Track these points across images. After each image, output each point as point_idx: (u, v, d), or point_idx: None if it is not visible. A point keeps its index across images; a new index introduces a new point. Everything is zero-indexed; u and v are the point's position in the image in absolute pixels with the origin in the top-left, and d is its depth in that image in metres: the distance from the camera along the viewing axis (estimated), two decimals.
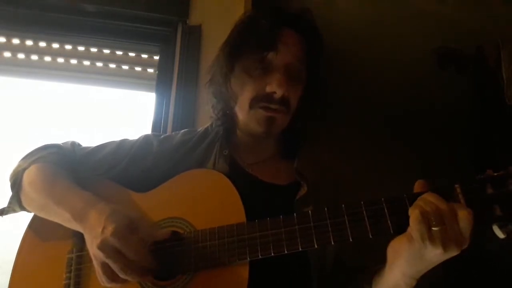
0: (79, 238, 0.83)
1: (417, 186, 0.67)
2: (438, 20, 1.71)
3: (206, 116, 1.05)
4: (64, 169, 0.89)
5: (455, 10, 1.73)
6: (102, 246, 0.70)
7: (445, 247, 0.59)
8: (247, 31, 0.92)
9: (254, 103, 0.87)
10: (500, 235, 0.60)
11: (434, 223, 0.59)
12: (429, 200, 0.62)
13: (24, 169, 0.89)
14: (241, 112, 0.91)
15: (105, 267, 0.71)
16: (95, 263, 0.73)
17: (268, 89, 0.86)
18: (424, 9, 1.73)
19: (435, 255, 0.61)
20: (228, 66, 0.90)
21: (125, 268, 0.70)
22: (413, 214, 0.61)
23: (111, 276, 0.71)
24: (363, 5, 1.71)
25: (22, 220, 0.93)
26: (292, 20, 0.92)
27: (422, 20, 1.71)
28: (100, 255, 0.70)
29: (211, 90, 0.97)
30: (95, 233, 0.72)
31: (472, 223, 0.59)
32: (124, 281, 0.72)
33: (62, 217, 0.81)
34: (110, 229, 0.70)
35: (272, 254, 0.71)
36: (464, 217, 0.59)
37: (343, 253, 0.90)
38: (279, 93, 0.85)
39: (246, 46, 0.89)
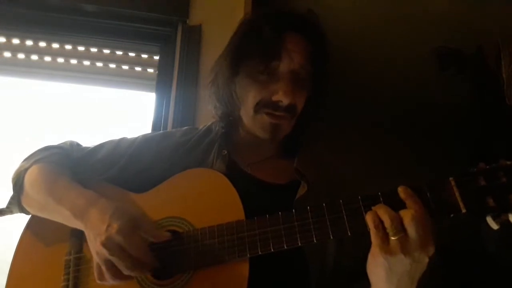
0: (77, 239, 0.83)
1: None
2: (438, 20, 1.71)
3: (206, 116, 1.05)
4: (66, 169, 0.90)
5: (455, 10, 1.73)
6: (107, 244, 0.70)
7: (406, 254, 0.60)
8: (250, 37, 0.89)
9: (258, 108, 0.87)
10: (494, 226, 0.62)
11: (393, 232, 0.61)
12: (382, 211, 0.63)
13: (26, 169, 0.90)
14: (246, 116, 0.91)
15: (108, 264, 0.71)
16: (97, 260, 0.73)
17: (275, 98, 0.85)
18: (424, 9, 1.73)
19: (402, 264, 0.62)
20: (232, 71, 0.90)
21: (129, 265, 0.70)
22: (370, 227, 0.63)
23: (115, 273, 0.72)
24: (363, 5, 1.71)
25: (22, 220, 0.93)
26: (296, 24, 0.90)
27: (422, 20, 1.71)
28: (104, 252, 0.70)
29: (214, 94, 0.96)
30: (98, 230, 0.72)
31: (421, 223, 0.60)
32: (126, 277, 0.72)
33: (62, 215, 0.81)
34: (115, 226, 0.71)
35: (272, 250, 0.71)
36: (411, 221, 0.60)
37: (342, 258, 0.88)
38: (285, 102, 0.85)
39: (250, 52, 0.87)
